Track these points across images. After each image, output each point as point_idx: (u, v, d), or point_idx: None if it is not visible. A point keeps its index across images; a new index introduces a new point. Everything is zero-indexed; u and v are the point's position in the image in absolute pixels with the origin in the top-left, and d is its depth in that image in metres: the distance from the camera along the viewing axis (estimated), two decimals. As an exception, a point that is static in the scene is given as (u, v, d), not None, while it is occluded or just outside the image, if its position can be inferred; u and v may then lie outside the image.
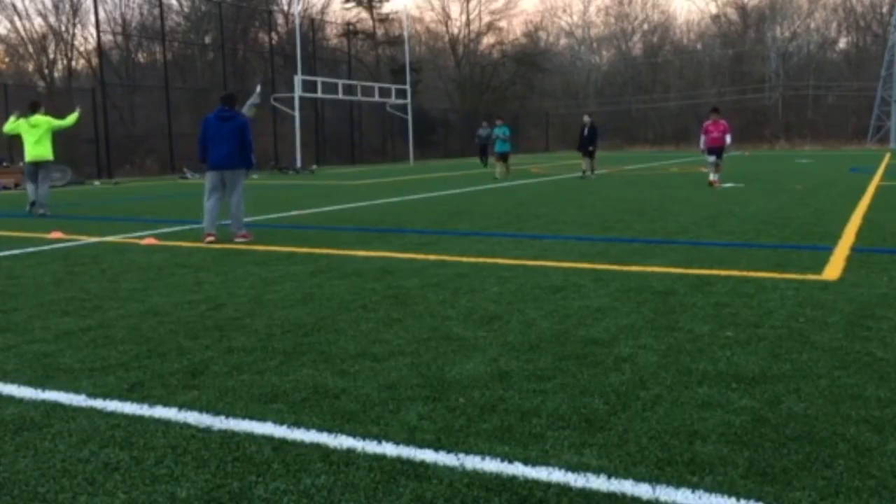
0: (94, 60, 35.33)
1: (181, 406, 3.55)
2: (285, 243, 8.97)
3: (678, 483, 2.72)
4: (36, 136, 13.58)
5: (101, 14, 36.66)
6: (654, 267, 7.00)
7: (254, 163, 10.00)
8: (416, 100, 44.07)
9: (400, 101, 38.26)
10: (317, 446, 3.07)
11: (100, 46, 30.50)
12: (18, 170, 23.94)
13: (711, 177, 17.97)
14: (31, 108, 13.90)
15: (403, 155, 40.33)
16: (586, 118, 22.95)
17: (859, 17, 62.92)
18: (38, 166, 13.61)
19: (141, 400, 3.65)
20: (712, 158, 17.96)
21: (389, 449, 3.03)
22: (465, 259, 7.62)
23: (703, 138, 18.32)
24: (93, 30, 44.94)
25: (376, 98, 37.16)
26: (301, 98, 32.26)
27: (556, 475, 2.79)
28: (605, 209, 12.65)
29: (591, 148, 22.16)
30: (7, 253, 8.55)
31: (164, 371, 4.09)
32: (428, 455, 2.97)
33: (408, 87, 38.82)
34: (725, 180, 18.44)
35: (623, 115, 64.46)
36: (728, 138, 18.25)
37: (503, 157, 23.27)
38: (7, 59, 41.01)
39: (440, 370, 4.02)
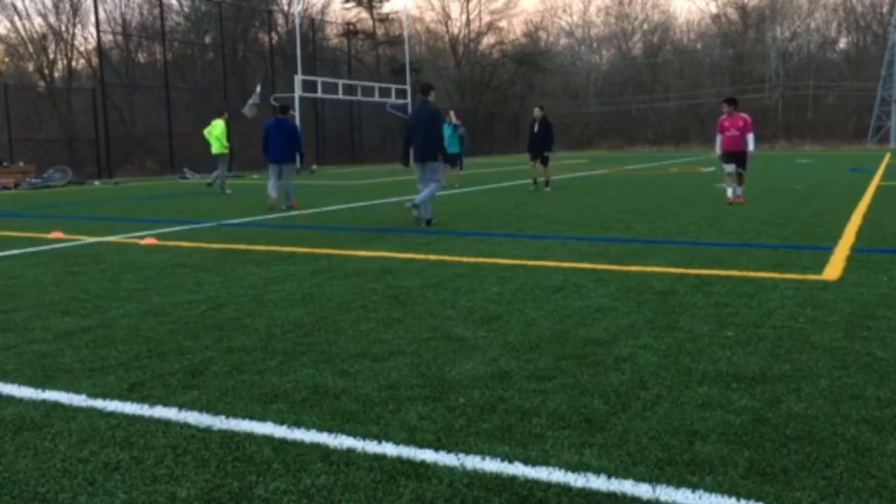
0: (94, 60, 35.32)
1: (181, 406, 3.55)
2: (285, 243, 8.97)
3: (678, 483, 2.72)
4: (210, 135, 18.36)
5: (101, 14, 36.66)
6: (654, 267, 7.00)
7: (303, 153, 15.89)
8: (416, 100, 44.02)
9: (400, 101, 38.25)
10: (317, 446, 3.07)
11: (100, 46, 30.53)
12: (18, 170, 24.03)
13: (729, 192, 13.25)
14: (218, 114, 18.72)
15: (403, 155, 40.25)
16: (537, 111, 17.86)
17: (859, 17, 62.91)
18: (214, 158, 18.43)
19: (141, 400, 3.65)
20: (731, 168, 13.14)
21: (389, 449, 3.03)
22: (465, 259, 7.62)
23: (717, 139, 13.57)
24: (93, 30, 44.98)
25: (376, 98, 37.13)
26: (301, 98, 32.25)
27: (556, 475, 2.79)
28: (605, 209, 12.65)
29: (546, 153, 17.39)
30: (7, 253, 8.56)
31: (164, 371, 4.09)
32: (428, 455, 2.97)
33: (408, 87, 38.79)
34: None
35: (623, 115, 64.49)
36: (750, 141, 13.23)
37: (453, 161, 18.61)
38: (7, 59, 41.01)
39: (440, 370, 4.02)
